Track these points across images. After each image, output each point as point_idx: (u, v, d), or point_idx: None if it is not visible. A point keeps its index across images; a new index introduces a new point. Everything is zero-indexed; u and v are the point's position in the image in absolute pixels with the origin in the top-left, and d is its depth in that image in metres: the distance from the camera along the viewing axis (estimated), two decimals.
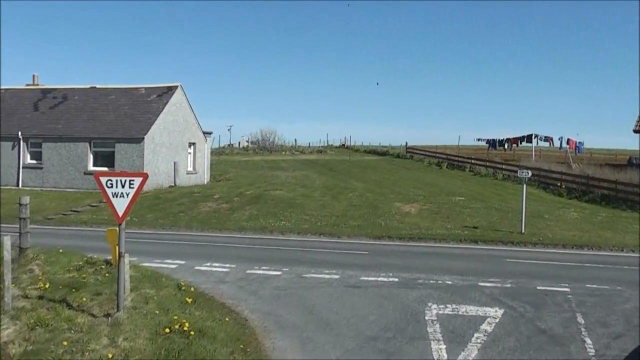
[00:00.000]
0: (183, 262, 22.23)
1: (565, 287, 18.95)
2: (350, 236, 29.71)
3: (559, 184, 46.23)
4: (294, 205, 37.58)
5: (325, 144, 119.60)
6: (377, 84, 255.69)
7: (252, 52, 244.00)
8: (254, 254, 24.49)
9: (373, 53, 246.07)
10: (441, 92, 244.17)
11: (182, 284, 17.08)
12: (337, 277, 20.03)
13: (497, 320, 15.28)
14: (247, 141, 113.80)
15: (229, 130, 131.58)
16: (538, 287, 18.87)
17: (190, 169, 52.21)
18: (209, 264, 21.96)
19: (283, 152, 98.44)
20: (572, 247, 27.52)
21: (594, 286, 19.15)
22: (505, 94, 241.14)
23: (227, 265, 21.76)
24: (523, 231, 29.89)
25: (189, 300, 15.39)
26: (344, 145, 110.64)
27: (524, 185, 30.79)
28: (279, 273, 20.61)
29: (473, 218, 33.84)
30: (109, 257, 18.45)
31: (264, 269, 21.18)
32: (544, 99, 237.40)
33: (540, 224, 32.32)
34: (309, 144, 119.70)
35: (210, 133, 56.84)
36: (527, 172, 30.60)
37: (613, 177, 43.22)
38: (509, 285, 19.04)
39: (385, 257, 24.03)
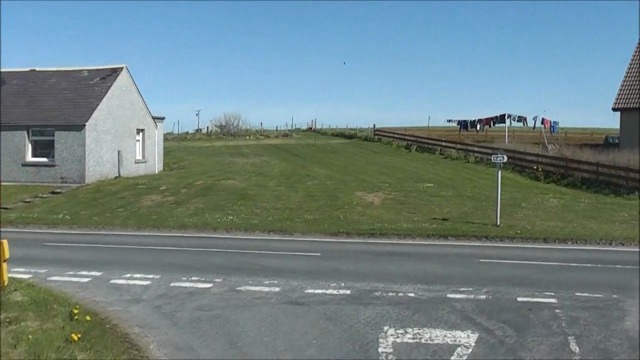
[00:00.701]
0: (99, 274, 18.70)
1: (552, 297, 15.71)
2: (304, 233, 26.27)
3: (535, 167, 42.92)
4: (245, 197, 34.07)
5: (292, 128, 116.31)
6: (344, 63, 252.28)
7: (221, 35, 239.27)
8: (187, 260, 20.99)
9: (341, 33, 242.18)
10: (410, 72, 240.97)
11: (77, 310, 13.54)
12: (277, 289, 16.63)
13: (470, 351, 11.97)
14: (217, 126, 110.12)
15: (197, 114, 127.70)
16: (519, 299, 15.57)
17: (139, 157, 48.37)
18: (129, 275, 18.47)
19: (247, 137, 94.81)
20: (555, 241, 24.27)
21: (585, 294, 15.92)
22: (477, 73, 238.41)
23: (150, 276, 18.28)
24: (498, 223, 26.60)
25: (76, 337, 11.86)
26: (310, 128, 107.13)
27: (499, 172, 27.43)
28: (208, 286, 17.16)
29: (443, 208, 30.49)
30: None
31: (192, 280, 17.74)
32: (516, 78, 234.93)
33: (518, 214, 29.04)
34: (277, 127, 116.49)
35: (162, 118, 53.03)
36: (502, 157, 27.18)
37: (594, 159, 39.90)
38: (484, 297, 15.72)
39: (340, 260, 20.61)
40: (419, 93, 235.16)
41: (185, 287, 17.07)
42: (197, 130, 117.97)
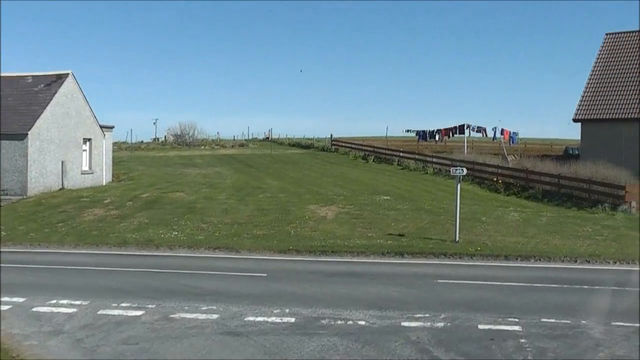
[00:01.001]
0: (22, 300, 17.00)
1: (516, 323, 14.41)
2: (252, 250, 24.68)
3: (495, 179, 41.71)
4: (193, 211, 32.35)
5: (250, 138, 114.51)
6: (301, 71, 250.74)
7: (180, 42, 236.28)
8: (122, 282, 19.30)
9: (298, 41, 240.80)
10: (368, 81, 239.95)
11: None
12: (215, 317, 15.11)
13: None
14: (172, 135, 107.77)
15: (154, 123, 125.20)
16: (480, 327, 14.24)
17: (85, 168, 46.30)
18: (55, 301, 16.82)
19: (202, 147, 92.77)
20: (517, 259, 22.95)
21: (552, 320, 14.67)
22: (436, 83, 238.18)
23: (78, 303, 16.65)
24: (457, 239, 25.23)
25: None
26: (267, 138, 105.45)
27: (458, 185, 26.07)
28: (139, 313, 15.55)
29: (399, 223, 29.07)
30: None
31: (123, 307, 16.10)
32: (476, 88, 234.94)
33: (477, 229, 27.71)
34: (234, 137, 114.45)
35: (111, 127, 51.00)
36: (462, 170, 25.82)
37: (555, 171, 38.76)
38: (441, 325, 14.34)
39: (287, 282, 19.05)
40: (377, 102, 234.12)
41: (114, 315, 15.44)
42: (154, 139, 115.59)
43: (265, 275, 20.14)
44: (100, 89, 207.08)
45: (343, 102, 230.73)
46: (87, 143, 46.59)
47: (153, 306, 16.11)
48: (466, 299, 16.80)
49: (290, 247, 24.54)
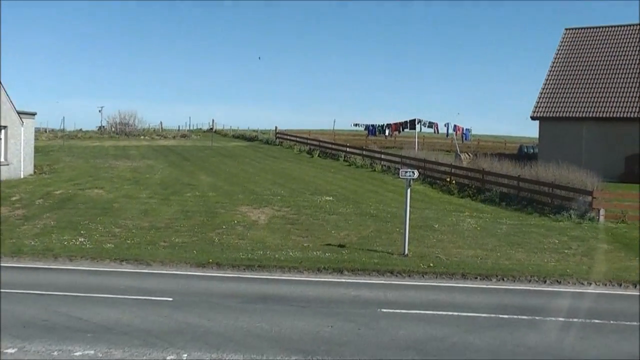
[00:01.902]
0: None
1: None
2: (165, 263, 20.85)
3: (448, 179, 38.29)
4: (108, 212, 28.40)
5: (194, 128, 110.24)
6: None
7: (128, 29, 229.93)
8: None
9: (248, 30, 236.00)
10: (317, 72, 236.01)
11: None
12: None
13: None
14: (111, 124, 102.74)
15: (100, 111, 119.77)
16: None
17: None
18: None
19: (142, 137, 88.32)
20: (476, 278, 19.53)
21: None
22: (388, 76, 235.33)
23: None
24: (406, 252, 21.72)
25: None
26: (211, 129, 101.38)
27: (408, 191, 22.47)
28: None
29: (340, 230, 25.51)
30: None
31: None
32: (429, 82, 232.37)
33: (430, 239, 24.28)
34: (179, 127, 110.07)
35: (32, 114, 46.42)
36: (412, 173, 22.14)
37: (514, 172, 35.40)
38: None
39: (195, 311, 15.26)
40: (325, 94, 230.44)
41: None
42: (99, 127, 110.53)
43: (171, 299, 16.35)
44: (46, 74, 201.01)
45: (291, 93, 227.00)
46: (2, 131, 42.12)
47: (13, 351, 12.27)
48: (415, 338, 13.23)
49: (210, 260, 20.76)
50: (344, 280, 19.16)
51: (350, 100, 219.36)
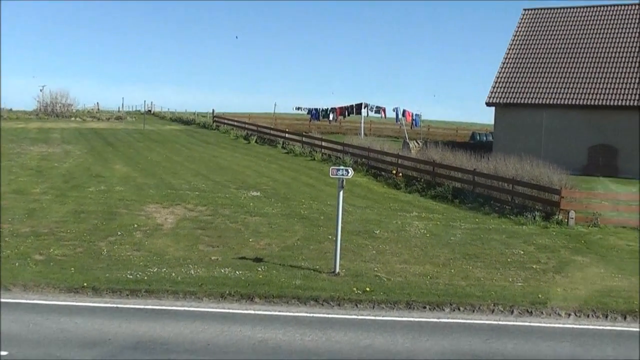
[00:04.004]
0: None
1: None
2: (28, 287, 15.98)
3: (394, 172, 33.86)
4: None
5: (132, 110, 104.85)
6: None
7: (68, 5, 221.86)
8: None
9: (193, 8, 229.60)
10: (258, 52, 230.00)
11: None
12: None
13: None
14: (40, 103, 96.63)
15: (41, 90, 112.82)
16: None
17: None
18: None
19: (73, 119, 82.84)
20: (425, 308, 15.20)
21: None
22: (334, 58, 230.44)
23: None
24: (337, 270, 17.27)
25: None
26: (149, 111, 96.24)
27: (340, 194, 17.91)
28: None
29: (261, 238, 20.97)
30: None
31: None
32: (377, 65, 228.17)
33: (368, 250, 19.90)
34: (119, 108, 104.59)
35: None
36: (346, 171, 17.51)
37: (469, 165, 31.02)
38: None
39: None
40: (266, 75, 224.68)
41: None
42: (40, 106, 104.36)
43: (5, 354, 11.69)
44: None
45: (232, 73, 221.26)
46: None
47: None
48: None
49: (86, 284, 15.99)
50: (252, 312, 14.65)
51: (296, 83, 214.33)
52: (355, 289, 15.95)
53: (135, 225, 21.91)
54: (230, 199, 26.87)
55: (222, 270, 17.23)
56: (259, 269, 17.47)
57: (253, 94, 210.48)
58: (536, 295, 16.10)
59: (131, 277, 16.52)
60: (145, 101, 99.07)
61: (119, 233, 20.91)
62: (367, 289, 15.97)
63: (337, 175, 17.25)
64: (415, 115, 57.38)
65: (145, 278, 16.47)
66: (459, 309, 15.14)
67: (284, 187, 30.59)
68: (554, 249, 20.98)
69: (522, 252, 20.36)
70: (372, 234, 21.73)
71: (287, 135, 49.52)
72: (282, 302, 15.21)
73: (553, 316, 15.08)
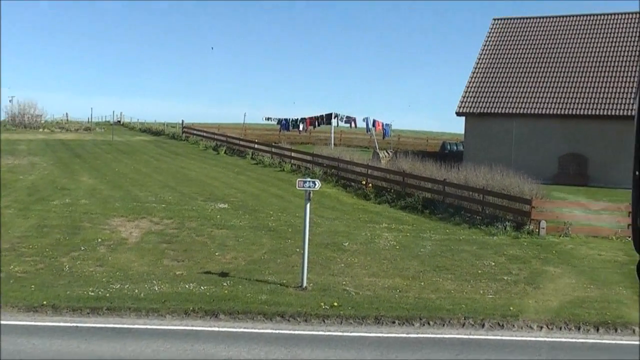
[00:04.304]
0: None
1: None
2: None
3: (364, 182, 33.51)
4: None
5: (102, 120, 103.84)
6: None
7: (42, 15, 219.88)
8: None
9: (166, 21, 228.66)
10: (228, 62, 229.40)
11: None
12: None
13: None
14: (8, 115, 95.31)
15: (10, 101, 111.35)
16: None
17: None
18: None
19: (41, 130, 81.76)
20: (394, 322, 14.85)
21: None
22: (304, 68, 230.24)
23: None
24: (304, 284, 16.87)
25: None
26: (119, 121, 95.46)
27: (307, 207, 17.54)
28: None
29: (227, 251, 20.52)
30: None
31: None
32: (347, 76, 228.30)
33: (337, 263, 19.51)
34: (88, 119, 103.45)
35: None
36: (313, 183, 17.12)
37: (439, 175, 30.72)
38: None
39: None
40: (235, 86, 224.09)
41: None
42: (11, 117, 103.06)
43: None
44: None
45: (203, 83, 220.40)
46: None
47: None
48: None
49: (46, 302, 15.45)
50: (217, 329, 14.22)
51: (264, 93, 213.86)
52: (322, 303, 15.56)
53: (99, 240, 21.39)
54: (197, 211, 26.40)
55: (187, 286, 16.77)
56: (225, 283, 17.03)
57: (224, 105, 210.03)
58: (507, 307, 15.79)
59: (93, 294, 16.02)
60: (114, 112, 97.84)
61: (82, 248, 20.37)
62: (335, 303, 15.58)
63: (304, 187, 16.87)
64: (386, 125, 57.05)
65: (107, 295, 15.97)
66: (428, 323, 14.80)
67: (252, 198, 30.16)
68: (525, 260, 20.71)
69: (493, 264, 20.08)
70: (341, 247, 21.36)
71: (256, 145, 49.05)
72: (248, 318, 14.79)
73: (525, 329, 14.79)
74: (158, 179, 35.53)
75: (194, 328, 14.23)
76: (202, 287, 16.65)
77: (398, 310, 15.28)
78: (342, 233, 23.36)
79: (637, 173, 3.16)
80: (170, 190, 31.66)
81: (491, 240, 23.29)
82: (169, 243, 21.26)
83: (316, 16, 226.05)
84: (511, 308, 15.74)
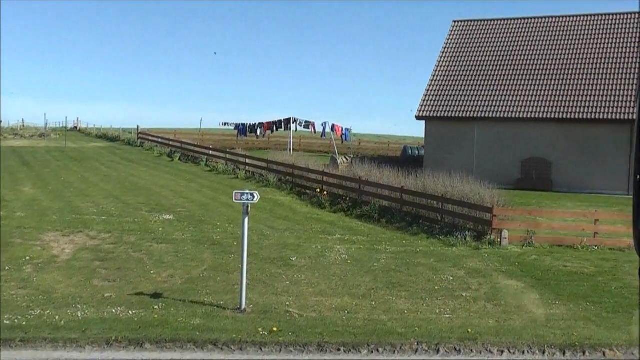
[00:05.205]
0: None
1: None
2: None
3: (319, 190, 32.04)
4: None
5: (60, 126, 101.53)
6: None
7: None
8: None
9: (127, 24, 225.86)
10: (187, 67, 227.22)
11: None
12: None
13: None
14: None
15: None
16: None
17: None
18: None
19: None
20: (339, 350, 13.46)
21: None
22: (263, 72, 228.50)
23: None
24: (243, 306, 15.37)
25: None
26: (75, 127, 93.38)
27: (245, 221, 16.06)
28: None
29: (164, 268, 18.95)
30: None
31: None
32: (307, 80, 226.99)
33: (282, 281, 18.00)
34: (46, 125, 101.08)
35: None
36: (251, 196, 15.62)
37: (397, 182, 29.34)
38: None
39: None
40: (192, 91, 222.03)
41: None
42: None
43: None
44: None
45: (161, 89, 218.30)
46: None
47: None
48: None
49: None
50: (139, 358, 12.68)
51: (219, 97, 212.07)
52: (261, 329, 14.05)
53: (28, 258, 19.66)
54: (139, 223, 24.77)
55: (114, 310, 15.17)
56: (156, 306, 15.45)
57: (187, 110, 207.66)
58: (465, 329, 14.43)
59: (8, 322, 14.37)
60: (66, 117, 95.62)
61: (7, 267, 18.64)
62: (275, 328, 14.08)
63: (241, 200, 15.41)
64: (345, 129, 55.76)
65: (24, 323, 14.32)
66: (377, 350, 13.39)
67: (201, 208, 28.57)
68: (486, 273, 19.37)
69: (451, 278, 18.72)
70: (288, 262, 19.84)
71: (211, 152, 47.41)
72: (176, 346, 13.26)
73: (484, 354, 13.47)
74: (104, 188, 33.75)
75: (111, 358, 12.67)
76: (130, 312, 15.07)
77: (344, 336, 13.83)
78: (292, 246, 21.87)
79: (638, 177, 3.24)
80: (114, 200, 29.96)
81: (450, 252, 21.92)
82: (103, 260, 19.59)
83: (274, 19, 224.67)
84: (469, 330, 14.37)
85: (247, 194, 15.33)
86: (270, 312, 15.20)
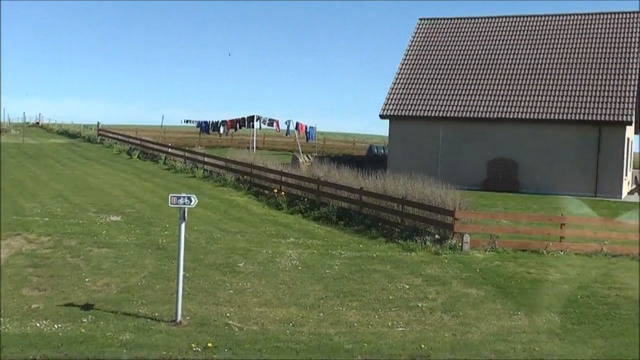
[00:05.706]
0: None
1: None
2: None
3: (276, 190, 30.90)
4: None
5: (23, 122, 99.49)
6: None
7: None
8: None
9: (94, 20, 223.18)
10: (149, 63, 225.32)
11: None
12: None
13: None
14: None
15: None
16: None
17: None
18: None
19: None
20: None
21: None
22: (229, 71, 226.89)
23: None
24: (179, 317, 14.17)
25: None
26: (37, 123, 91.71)
27: (182, 227, 14.91)
28: None
29: (101, 276, 17.70)
30: None
31: None
32: (276, 79, 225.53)
33: (224, 290, 16.83)
34: (8, 120, 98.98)
35: None
36: (189, 200, 14.45)
37: (356, 183, 28.26)
38: None
39: None
40: (154, 87, 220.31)
41: None
42: None
43: None
44: None
45: (121, 85, 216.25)
46: None
47: None
48: None
49: None
50: None
51: (182, 94, 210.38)
52: (194, 344, 12.83)
53: None
54: (83, 225, 23.48)
55: (38, 324, 13.88)
56: (85, 319, 14.19)
57: (149, 108, 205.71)
58: (419, 344, 13.35)
59: None
60: (24, 113, 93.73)
61: None
62: (210, 344, 12.87)
63: (177, 204, 14.23)
64: (310, 127, 54.72)
65: None
66: None
67: (151, 209, 27.31)
68: (445, 281, 18.33)
69: (407, 287, 17.65)
70: (235, 268, 18.67)
71: (169, 150, 46.12)
72: None
73: None
74: (55, 188, 32.36)
75: None
76: (55, 326, 13.79)
77: (286, 353, 12.68)
78: (241, 250, 20.69)
79: None
80: (62, 200, 28.61)
81: (408, 258, 20.86)
82: (36, 267, 18.27)
83: (239, 15, 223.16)
84: (422, 345, 13.30)
85: (184, 197, 14.17)
86: (208, 325, 14.01)
